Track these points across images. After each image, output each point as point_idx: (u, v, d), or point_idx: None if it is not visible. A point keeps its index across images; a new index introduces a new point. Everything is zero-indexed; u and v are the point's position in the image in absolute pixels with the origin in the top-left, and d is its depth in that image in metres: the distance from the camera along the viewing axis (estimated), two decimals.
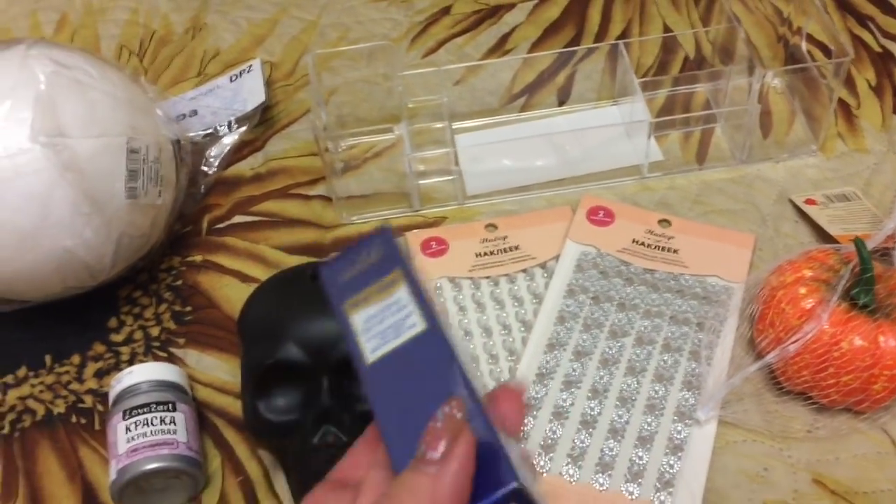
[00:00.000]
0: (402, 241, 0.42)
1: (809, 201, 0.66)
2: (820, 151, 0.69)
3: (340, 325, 0.36)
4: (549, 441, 0.53)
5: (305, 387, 0.51)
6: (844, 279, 0.54)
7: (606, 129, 0.71)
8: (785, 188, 0.67)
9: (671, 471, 0.52)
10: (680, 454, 0.52)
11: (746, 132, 0.67)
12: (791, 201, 0.66)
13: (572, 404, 0.55)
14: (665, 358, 0.57)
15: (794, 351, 0.52)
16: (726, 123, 0.71)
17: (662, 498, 0.51)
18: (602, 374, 0.56)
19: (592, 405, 0.55)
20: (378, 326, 0.35)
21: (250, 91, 0.74)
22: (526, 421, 0.54)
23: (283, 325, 0.51)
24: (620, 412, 0.54)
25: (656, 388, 0.55)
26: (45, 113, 0.53)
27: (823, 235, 0.63)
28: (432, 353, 0.34)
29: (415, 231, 0.66)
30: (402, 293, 0.36)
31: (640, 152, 0.68)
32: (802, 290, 0.54)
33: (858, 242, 0.54)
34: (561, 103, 0.74)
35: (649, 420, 0.54)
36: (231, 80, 0.76)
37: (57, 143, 0.53)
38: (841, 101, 0.72)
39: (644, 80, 0.73)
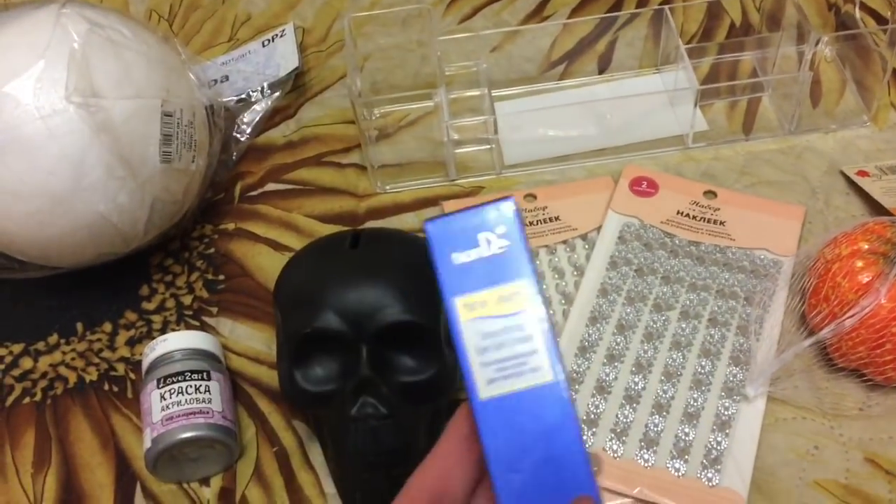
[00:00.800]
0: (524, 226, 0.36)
1: (861, 173, 0.63)
2: (872, 122, 0.66)
3: (448, 318, 0.32)
4: (592, 415, 0.52)
5: (344, 356, 0.50)
6: None
7: (649, 97, 0.69)
8: (835, 160, 0.65)
9: (718, 448, 0.50)
10: (727, 431, 0.51)
11: (795, 102, 0.64)
12: (842, 173, 0.64)
13: (615, 378, 0.53)
14: (712, 332, 0.55)
15: (850, 326, 0.50)
16: (774, 92, 0.68)
17: (710, 475, 0.49)
18: (646, 348, 0.55)
19: (636, 380, 0.53)
20: (496, 352, 0.31)
21: (283, 56, 0.72)
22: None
23: (320, 293, 0.50)
24: (665, 387, 0.53)
25: (702, 363, 0.54)
26: (80, 73, 0.52)
27: (876, 208, 0.61)
28: (556, 418, 0.31)
29: (453, 201, 0.64)
30: (528, 318, 0.31)
31: (684, 122, 0.66)
32: (859, 264, 0.52)
33: None
34: (601, 71, 0.72)
35: (695, 396, 0.52)
36: (263, 46, 0.74)
37: (91, 103, 0.52)
38: (894, 71, 0.69)
39: (688, 46, 0.71)
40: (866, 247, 0.53)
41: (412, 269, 0.51)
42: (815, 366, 0.54)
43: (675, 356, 0.54)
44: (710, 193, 0.62)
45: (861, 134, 0.66)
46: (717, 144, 0.66)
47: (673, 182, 0.63)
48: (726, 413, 0.52)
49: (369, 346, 0.49)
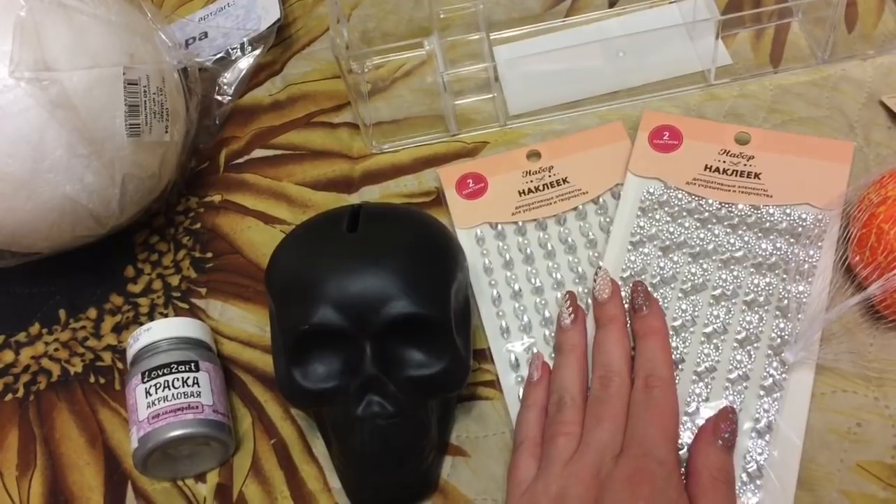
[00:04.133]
0: None
1: None
2: None
3: None
4: None
5: (346, 352, 0.45)
6: None
7: (665, 31, 0.62)
8: (875, 89, 0.58)
9: (760, 458, 0.45)
10: (768, 437, 0.45)
11: (829, 26, 0.58)
12: (882, 104, 0.57)
13: None
14: (748, 317, 0.49)
15: None
16: (804, 17, 0.62)
17: (753, 489, 0.44)
18: (676, 342, 0.48)
19: None
20: None
21: (264, 7, 0.66)
22: None
23: (318, 283, 0.45)
24: (698, 388, 0.47)
25: (739, 356, 0.48)
26: (27, 44, 0.47)
27: None
28: None
29: (448, 167, 0.58)
30: None
31: (705, 56, 0.60)
32: None
33: None
34: (612, 4, 0.65)
35: (731, 397, 0.46)
36: None
37: (43, 77, 0.47)
38: None
39: None
40: None
41: (417, 252, 0.47)
42: (860, 323, 0.49)
43: (707, 350, 0.48)
44: (743, 135, 0.56)
45: None
46: (742, 79, 0.60)
47: (699, 128, 0.57)
48: (767, 416, 0.46)
49: (374, 343, 0.44)
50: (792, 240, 0.51)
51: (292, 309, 0.46)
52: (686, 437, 0.46)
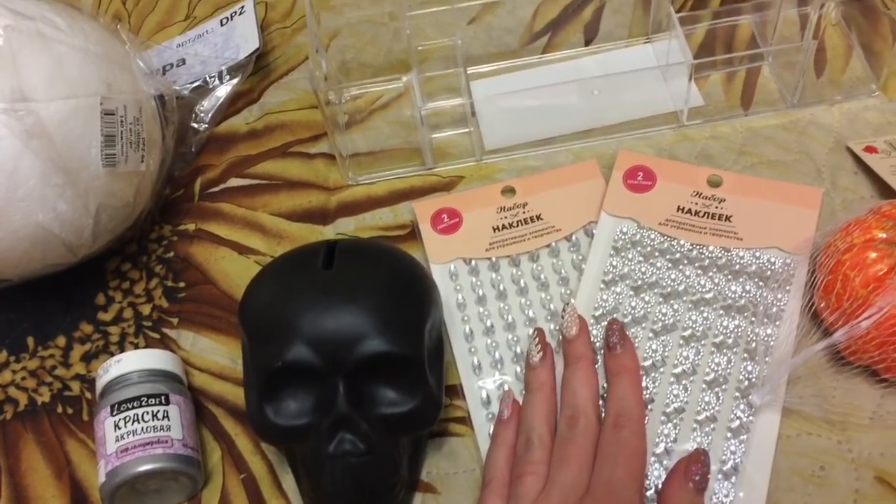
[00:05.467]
0: None
1: (869, 149, 0.59)
2: (881, 91, 0.61)
3: None
4: None
5: (318, 389, 0.45)
6: None
7: (640, 71, 0.63)
8: (842, 134, 0.60)
9: (725, 500, 0.45)
10: (734, 479, 0.46)
11: (799, 71, 0.59)
12: (849, 149, 0.59)
13: None
14: (717, 359, 0.49)
15: (865, 329, 0.46)
16: (775, 62, 0.63)
17: None
18: (646, 382, 0.49)
19: None
20: None
21: (243, 36, 0.67)
22: None
23: (291, 321, 0.45)
24: (667, 429, 0.47)
25: (707, 398, 0.48)
26: (4, 73, 0.47)
27: (886, 188, 0.56)
28: None
29: (423, 201, 0.59)
30: None
31: (678, 97, 0.61)
32: (872, 255, 0.48)
33: None
34: (588, 42, 0.67)
35: (699, 438, 0.47)
36: (222, 24, 0.69)
37: (19, 108, 0.47)
38: None
39: (681, 14, 0.65)
40: (882, 235, 0.49)
41: (392, 291, 0.47)
42: (825, 367, 0.50)
43: (676, 390, 0.49)
44: (716, 178, 0.57)
45: (869, 105, 0.61)
46: (714, 121, 0.61)
47: (672, 169, 0.57)
48: (733, 457, 0.46)
49: (347, 381, 0.44)
50: (761, 283, 0.52)
51: (266, 346, 0.46)
52: (654, 477, 0.46)
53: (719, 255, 0.54)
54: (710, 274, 0.53)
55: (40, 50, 0.48)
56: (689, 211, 0.55)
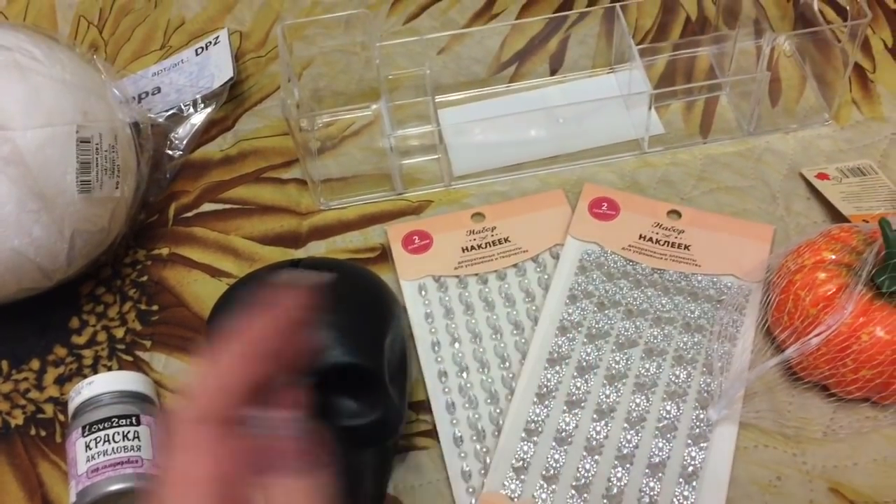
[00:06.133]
0: None
1: (821, 175, 0.61)
2: (833, 120, 0.64)
3: None
4: (553, 470, 0.48)
5: None
6: (869, 263, 0.49)
7: (603, 100, 0.66)
8: (796, 161, 0.62)
9: (686, 502, 0.47)
10: (695, 483, 0.48)
11: (754, 101, 0.62)
12: (802, 175, 0.61)
13: (576, 427, 0.50)
14: (677, 372, 0.52)
15: (815, 345, 0.48)
16: (732, 91, 0.66)
17: None
18: (608, 391, 0.51)
19: (598, 428, 0.50)
20: None
21: (217, 65, 0.68)
22: (526, 448, 0.49)
23: None
24: (629, 435, 0.49)
25: (668, 407, 0.50)
26: None
27: (837, 214, 0.58)
28: None
29: (396, 224, 0.60)
30: None
31: (639, 125, 0.63)
32: (822, 276, 0.50)
33: (883, 223, 0.49)
34: (553, 72, 0.69)
35: (660, 444, 0.49)
36: (197, 54, 0.70)
37: None
38: (856, 66, 0.67)
39: (642, 46, 0.68)
40: (831, 257, 0.51)
41: (353, 304, 0.48)
42: (780, 383, 0.52)
43: (638, 400, 0.51)
44: (675, 213, 0.59)
45: (822, 133, 0.63)
46: (674, 148, 0.64)
47: (635, 202, 0.60)
48: (693, 463, 0.48)
49: (311, 391, 0.46)
50: (718, 305, 0.54)
51: None
52: (615, 479, 0.48)
53: (678, 279, 0.56)
54: (671, 295, 0.55)
55: (17, 80, 0.50)
56: (651, 239, 0.57)
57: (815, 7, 0.66)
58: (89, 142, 0.52)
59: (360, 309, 0.48)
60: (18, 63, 0.50)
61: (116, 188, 0.55)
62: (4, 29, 0.52)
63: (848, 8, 0.60)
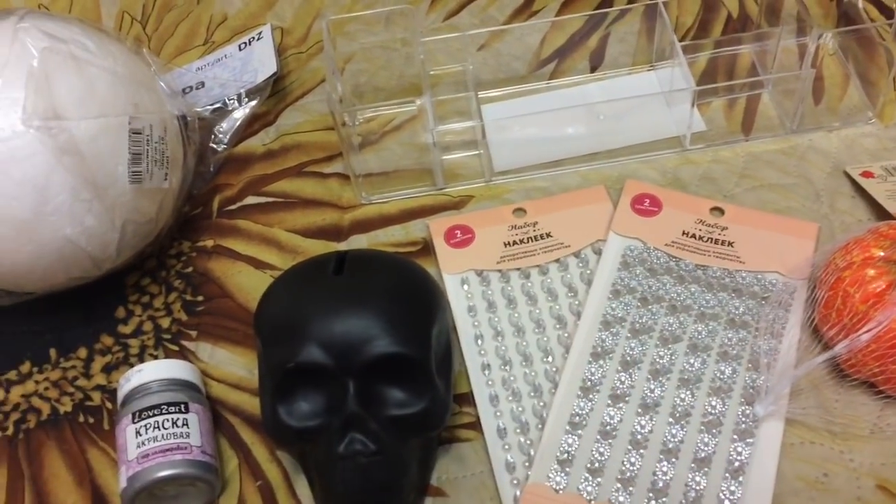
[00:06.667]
0: None
1: (866, 174, 0.61)
2: (877, 119, 0.64)
3: None
4: (597, 463, 0.49)
5: (330, 390, 0.47)
6: None
7: (644, 98, 0.66)
8: (840, 160, 0.62)
9: (732, 497, 0.47)
10: (741, 478, 0.48)
11: (797, 99, 0.62)
12: (846, 174, 0.61)
13: (621, 421, 0.50)
14: (722, 367, 0.51)
15: (865, 342, 0.47)
16: (774, 89, 0.65)
17: None
18: (653, 386, 0.51)
19: (643, 422, 0.50)
20: None
21: (261, 60, 0.69)
22: (571, 441, 0.49)
23: (304, 324, 0.47)
24: (674, 430, 0.49)
25: (713, 402, 0.50)
26: (39, 93, 0.49)
27: (882, 212, 0.58)
28: None
29: (438, 218, 0.61)
30: None
31: (681, 122, 0.63)
32: (871, 272, 0.49)
33: None
34: (593, 69, 0.69)
35: (706, 439, 0.49)
36: (240, 49, 0.71)
37: (52, 125, 0.49)
38: None
39: (684, 43, 0.68)
40: (880, 254, 0.51)
41: (401, 295, 0.49)
42: (826, 380, 0.51)
43: (683, 395, 0.51)
44: (717, 210, 0.59)
45: (866, 132, 0.63)
46: (716, 146, 0.63)
47: (677, 199, 0.60)
48: (739, 458, 0.48)
49: (357, 381, 0.46)
50: (763, 301, 0.54)
51: (279, 348, 0.47)
52: (660, 473, 0.48)
53: (722, 275, 0.55)
54: (714, 291, 0.55)
55: (73, 71, 0.50)
56: (694, 235, 0.57)
57: (860, 5, 0.66)
58: (141, 133, 0.53)
59: (408, 300, 0.49)
60: (74, 55, 0.51)
61: (165, 179, 0.56)
62: (59, 21, 0.53)
63: (893, 7, 0.60)
